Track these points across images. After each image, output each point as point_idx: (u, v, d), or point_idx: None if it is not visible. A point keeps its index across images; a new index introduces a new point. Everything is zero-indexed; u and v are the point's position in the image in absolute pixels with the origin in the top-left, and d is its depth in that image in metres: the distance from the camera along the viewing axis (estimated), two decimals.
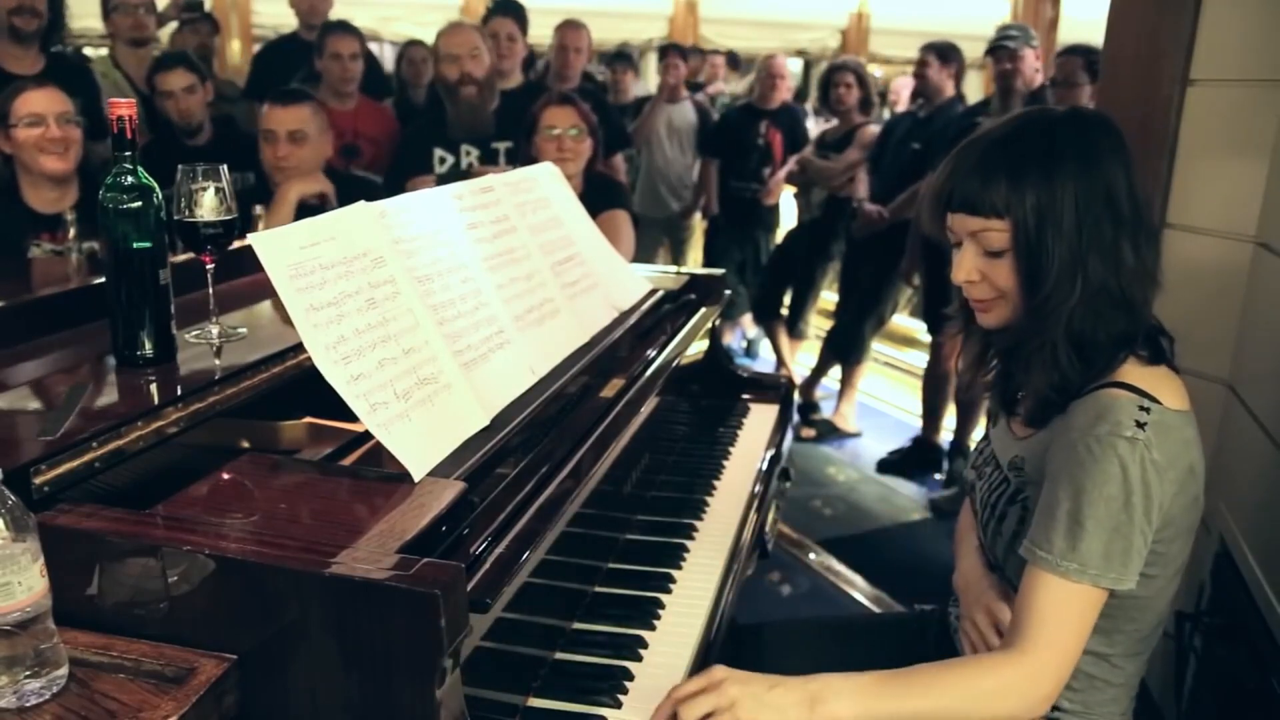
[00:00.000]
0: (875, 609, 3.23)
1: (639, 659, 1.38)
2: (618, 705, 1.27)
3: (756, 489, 1.96)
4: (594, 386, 1.61)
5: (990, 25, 5.15)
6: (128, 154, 1.33)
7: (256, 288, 1.56)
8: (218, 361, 1.41)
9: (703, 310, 2.15)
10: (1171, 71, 2.15)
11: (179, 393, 1.27)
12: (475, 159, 3.39)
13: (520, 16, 3.96)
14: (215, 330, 1.47)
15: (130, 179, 1.33)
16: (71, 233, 2.41)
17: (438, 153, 3.42)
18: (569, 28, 4.32)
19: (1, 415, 1.24)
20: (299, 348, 1.38)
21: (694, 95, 5.62)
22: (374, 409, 1.17)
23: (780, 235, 5.42)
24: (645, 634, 1.43)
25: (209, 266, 1.46)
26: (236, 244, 1.49)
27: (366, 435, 1.21)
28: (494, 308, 1.50)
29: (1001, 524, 1.39)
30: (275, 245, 1.18)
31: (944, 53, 4.24)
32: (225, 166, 1.46)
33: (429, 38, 3.91)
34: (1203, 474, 1.30)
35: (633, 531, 1.71)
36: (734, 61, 7.04)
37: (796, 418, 4.56)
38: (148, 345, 1.36)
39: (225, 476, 1.15)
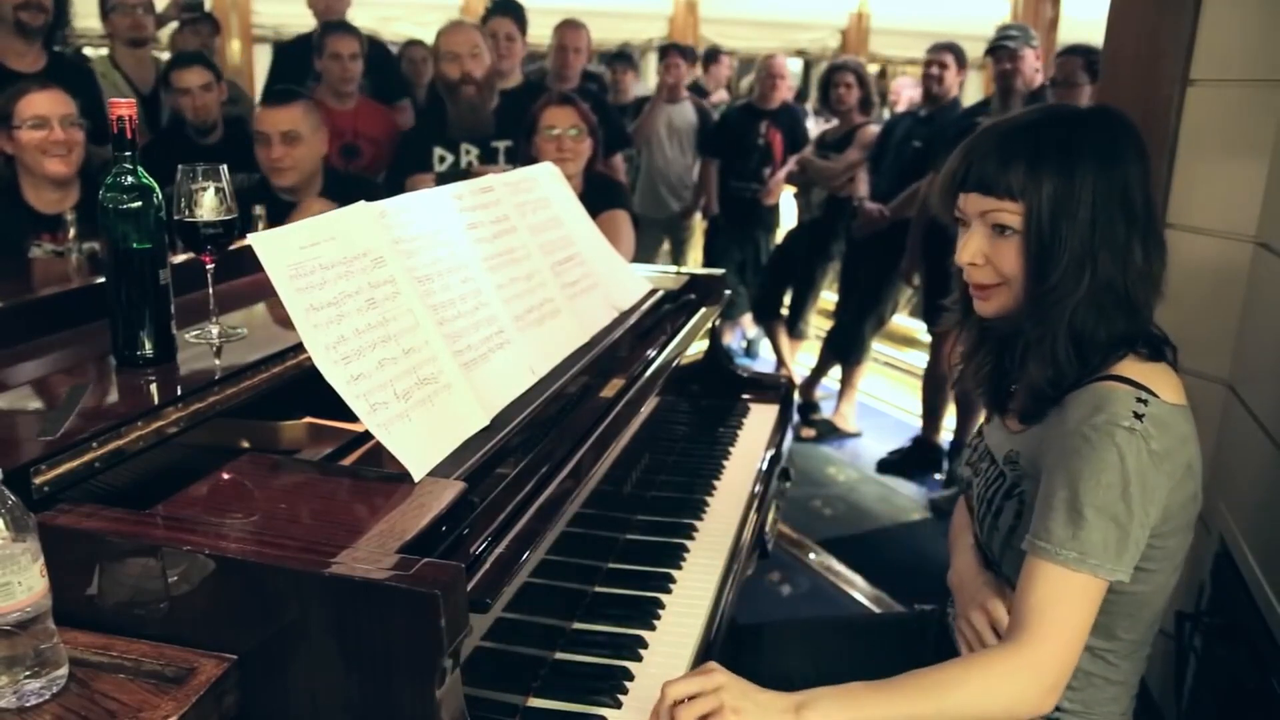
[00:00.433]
0: (875, 609, 3.23)
1: (639, 659, 1.38)
2: (618, 705, 1.27)
3: (756, 489, 1.96)
4: (594, 386, 1.61)
5: (990, 25, 5.16)
6: (128, 154, 1.33)
7: (256, 288, 1.56)
8: (218, 361, 1.41)
9: (703, 310, 2.15)
10: (1171, 71, 2.15)
11: (179, 393, 1.27)
12: (475, 158, 3.39)
13: (519, 16, 3.96)
14: (215, 330, 1.47)
15: (130, 179, 1.33)
16: (71, 233, 2.41)
17: (437, 151, 3.42)
18: (569, 28, 4.32)
19: (1, 415, 1.24)
20: (299, 348, 1.38)
21: (694, 96, 5.61)
22: (374, 409, 1.17)
23: (780, 235, 5.42)
24: (645, 634, 1.43)
25: (209, 266, 1.46)
26: (236, 244, 1.49)
27: (366, 435, 1.21)
28: (494, 308, 1.50)
29: (998, 519, 1.38)
30: (275, 245, 1.18)
31: (960, 54, 4.24)
32: (225, 166, 1.46)
33: (429, 38, 3.91)
34: (1200, 471, 1.30)
35: (633, 531, 1.71)
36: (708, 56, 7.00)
37: (796, 418, 4.56)
38: (148, 345, 1.36)
39: (225, 476, 1.15)
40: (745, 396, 2.36)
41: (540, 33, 4.69)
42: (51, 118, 2.50)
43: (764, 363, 5.75)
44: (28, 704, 0.91)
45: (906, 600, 3.07)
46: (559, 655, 1.36)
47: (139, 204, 1.33)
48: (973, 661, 1.29)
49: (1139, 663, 1.39)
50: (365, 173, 3.58)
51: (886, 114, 6.03)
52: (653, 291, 2.04)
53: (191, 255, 1.49)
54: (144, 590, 0.99)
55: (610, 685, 1.30)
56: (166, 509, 1.06)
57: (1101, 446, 1.21)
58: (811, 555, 3.56)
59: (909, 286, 4.52)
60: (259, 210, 2.40)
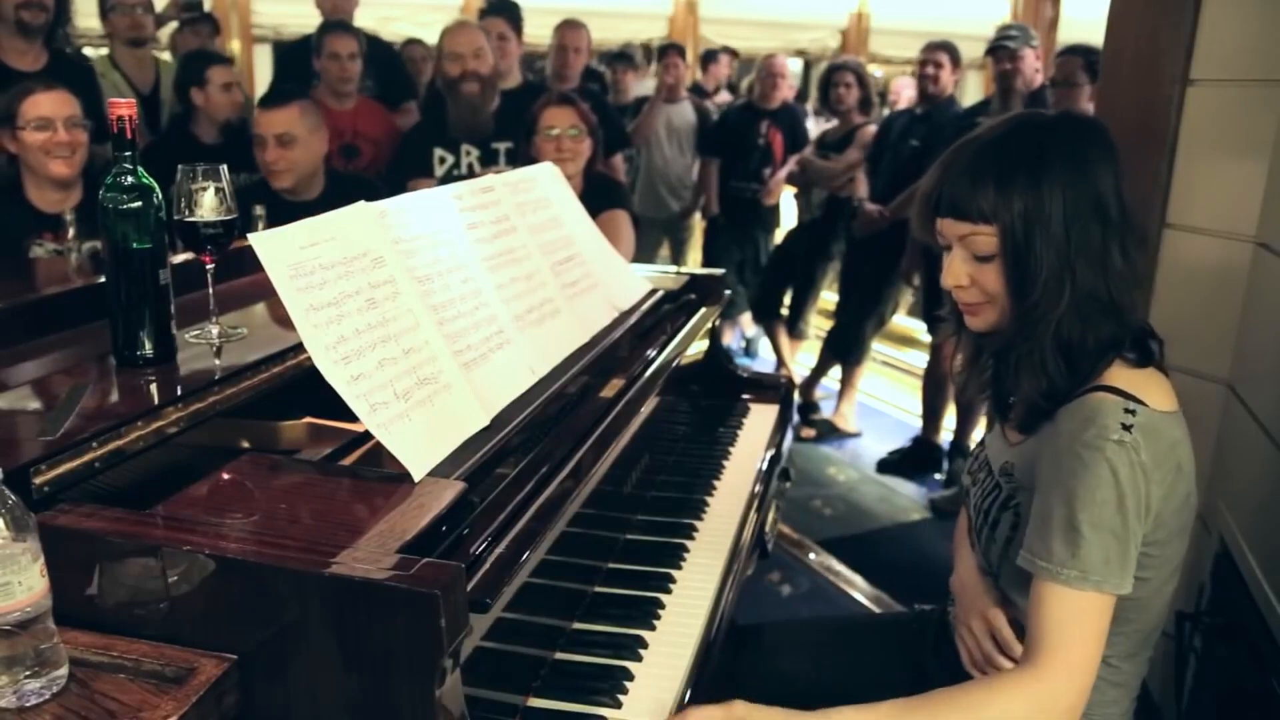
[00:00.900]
0: (875, 609, 3.23)
1: (639, 659, 1.38)
2: (618, 705, 1.27)
3: (756, 489, 1.96)
4: (594, 386, 1.61)
5: (990, 25, 5.16)
6: (128, 154, 1.33)
7: (256, 288, 1.56)
8: (218, 361, 1.41)
9: (703, 310, 2.15)
10: (1171, 71, 2.15)
11: (179, 393, 1.27)
12: (475, 159, 3.39)
13: (514, 16, 3.96)
14: (215, 330, 1.47)
15: (130, 179, 1.33)
16: (71, 232, 2.41)
17: (438, 152, 3.42)
18: (568, 28, 4.31)
19: (1, 415, 1.24)
20: (299, 348, 1.38)
21: (694, 96, 5.61)
22: (374, 409, 1.17)
23: (780, 235, 5.42)
24: (645, 634, 1.43)
25: (209, 266, 1.46)
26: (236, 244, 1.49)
27: (366, 435, 1.21)
28: (494, 308, 1.50)
29: (995, 530, 1.39)
30: (275, 245, 1.18)
31: (955, 53, 4.24)
32: (225, 166, 1.46)
33: (429, 37, 3.91)
34: (1192, 472, 1.30)
35: (633, 531, 1.71)
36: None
37: (796, 418, 4.56)
38: (148, 345, 1.36)
39: (225, 476, 1.15)
40: (745, 396, 2.36)
41: (540, 33, 4.69)
42: (55, 119, 2.51)
43: (763, 362, 5.75)
44: (28, 704, 0.91)
45: (906, 600, 3.07)
46: (559, 655, 1.36)
47: (139, 204, 1.33)
48: (994, 686, 1.28)
49: (1140, 665, 1.40)
50: (365, 173, 3.58)
51: (886, 114, 6.04)
52: (653, 291, 2.04)
53: (191, 255, 1.49)
54: (144, 590, 0.99)
55: (610, 685, 1.30)
56: (166, 509, 1.06)
57: (1094, 464, 1.21)
58: (811, 555, 3.56)
59: (909, 286, 4.52)
60: (259, 210, 2.40)
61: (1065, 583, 1.21)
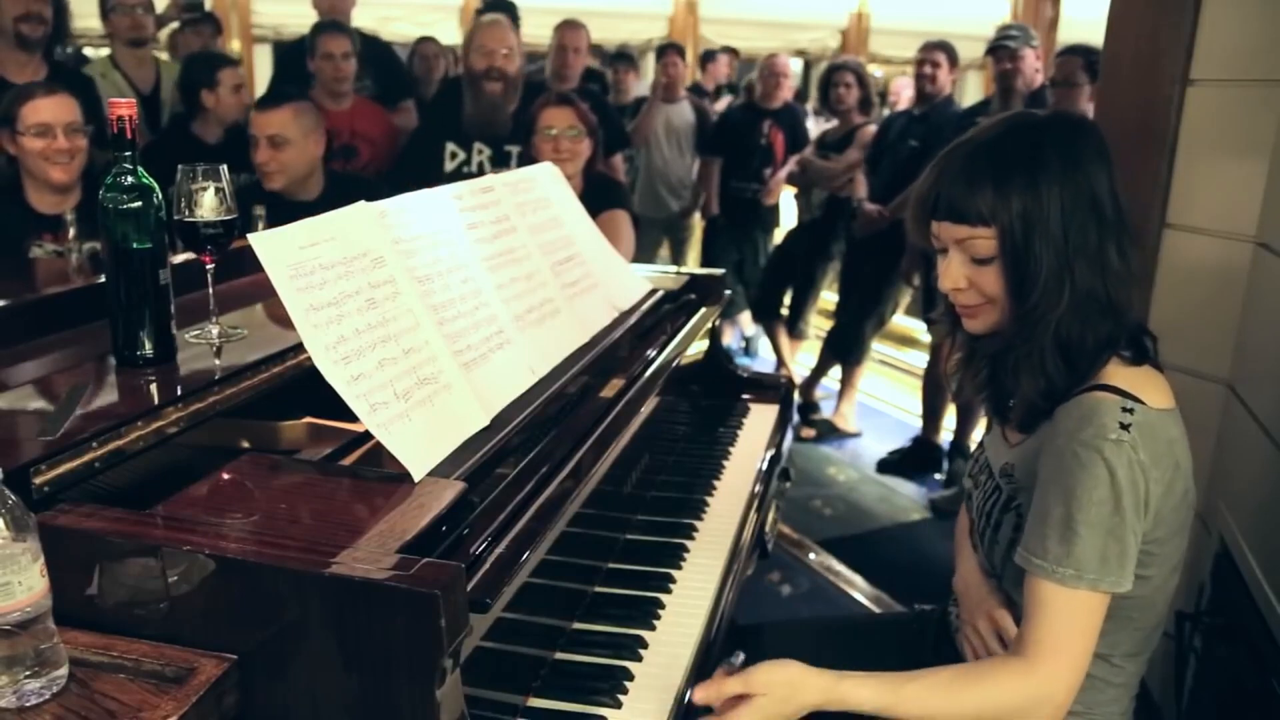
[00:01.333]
0: (875, 609, 3.23)
1: (639, 659, 1.38)
2: (618, 705, 1.27)
3: (756, 489, 1.96)
4: (594, 386, 1.61)
5: (990, 25, 5.16)
6: (128, 154, 1.33)
7: (256, 288, 1.56)
8: (218, 361, 1.41)
9: (703, 310, 2.15)
10: (1171, 71, 2.15)
11: (179, 393, 1.27)
12: (487, 159, 3.38)
13: (511, 16, 3.95)
14: (215, 330, 1.47)
15: (130, 179, 1.33)
16: (71, 233, 2.41)
17: (450, 147, 3.40)
18: (568, 28, 4.31)
19: (1, 415, 1.24)
20: (299, 348, 1.38)
21: (693, 96, 5.61)
22: (374, 409, 1.17)
23: (780, 235, 5.42)
24: (645, 634, 1.43)
25: (209, 266, 1.46)
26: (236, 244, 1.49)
27: (366, 435, 1.21)
28: (494, 308, 1.50)
29: (997, 532, 1.39)
30: (275, 245, 1.18)
31: (952, 53, 4.24)
32: (225, 166, 1.46)
33: (431, 37, 3.90)
34: (1190, 469, 1.31)
35: (633, 531, 1.71)
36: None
37: (796, 418, 4.56)
38: (148, 345, 1.36)
39: (225, 476, 1.15)
40: (745, 396, 2.36)
41: (540, 33, 4.68)
42: (55, 125, 2.50)
43: (763, 361, 5.75)
44: (28, 704, 0.91)
45: (906, 600, 3.07)
46: (559, 655, 1.37)
47: (139, 204, 1.33)
48: (986, 674, 1.28)
49: (1140, 664, 1.40)
50: (363, 173, 3.57)
51: (886, 114, 6.04)
52: (653, 291, 2.04)
53: (191, 255, 1.49)
54: (144, 590, 0.99)
55: (610, 685, 1.30)
56: (166, 509, 1.06)
57: (1090, 463, 1.21)
58: (811, 555, 3.56)
59: (909, 287, 4.52)
60: (259, 210, 2.40)
61: (1060, 581, 1.22)
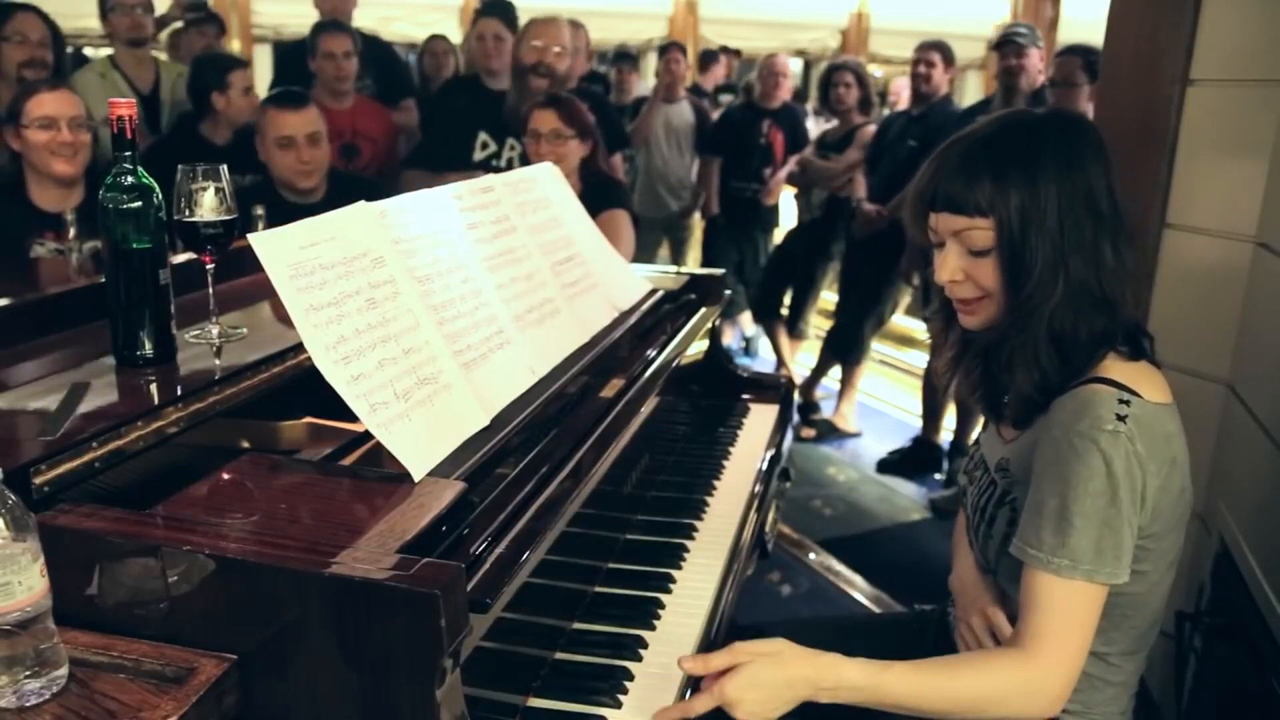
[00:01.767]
0: (875, 609, 3.23)
1: (639, 659, 1.38)
2: (618, 705, 1.27)
3: (756, 489, 1.96)
4: (594, 386, 1.61)
5: (990, 25, 5.17)
6: (128, 154, 1.33)
7: (256, 288, 1.56)
8: (218, 361, 1.41)
9: (703, 310, 2.15)
10: (1171, 71, 2.15)
11: (179, 393, 1.27)
12: (517, 156, 3.34)
13: (509, 17, 3.94)
14: (215, 330, 1.47)
15: (130, 179, 1.33)
16: (72, 232, 2.41)
17: (482, 136, 3.38)
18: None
19: (1, 415, 1.24)
20: (299, 348, 1.38)
21: (692, 96, 5.61)
22: (374, 409, 1.17)
23: (780, 235, 5.42)
24: (645, 634, 1.43)
25: (209, 266, 1.46)
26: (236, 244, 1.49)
27: (366, 435, 1.21)
28: (494, 308, 1.50)
29: (991, 527, 1.39)
30: (275, 245, 1.18)
31: (947, 52, 4.24)
32: (225, 166, 1.46)
33: (442, 35, 3.87)
34: (1187, 465, 1.31)
35: (633, 531, 1.71)
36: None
37: (796, 418, 4.56)
38: (148, 345, 1.36)
39: (225, 476, 1.15)
40: (745, 396, 2.36)
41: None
42: (59, 119, 2.54)
43: (763, 361, 5.75)
44: (28, 704, 0.91)
45: (906, 600, 3.07)
46: (559, 655, 1.36)
47: (139, 204, 1.33)
48: (983, 664, 1.28)
49: (1138, 663, 1.40)
50: (364, 172, 3.57)
51: (885, 114, 6.04)
52: (653, 291, 2.04)
53: (191, 255, 1.49)
54: (144, 590, 0.99)
55: (610, 685, 1.30)
56: (166, 509, 1.06)
57: (1087, 454, 1.21)
58: (811, 555, 3.56)
59: (909, 286, 4.52)
60: (259, 210, 2.40)
61: (1055, 571, 1.22)
